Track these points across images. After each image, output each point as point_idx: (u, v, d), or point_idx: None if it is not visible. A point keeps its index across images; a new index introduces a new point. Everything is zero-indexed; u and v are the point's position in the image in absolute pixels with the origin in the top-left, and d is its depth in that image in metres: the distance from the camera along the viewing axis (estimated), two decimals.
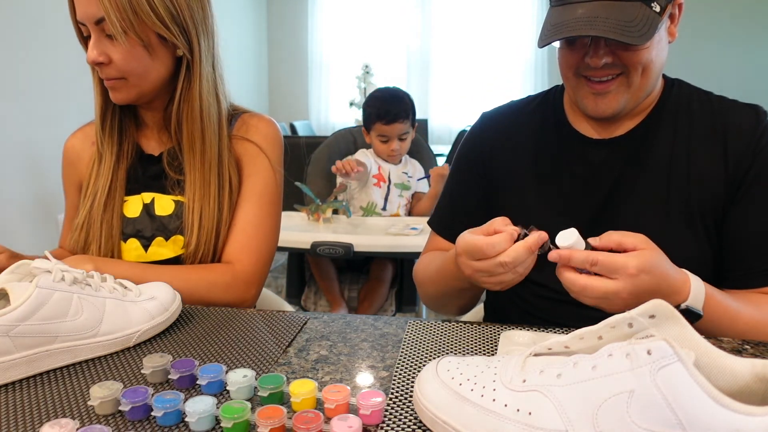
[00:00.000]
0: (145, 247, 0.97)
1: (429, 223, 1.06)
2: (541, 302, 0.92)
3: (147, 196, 1.00)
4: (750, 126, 0.84)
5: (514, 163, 0.95)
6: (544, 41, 0.81)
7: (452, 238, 0.98)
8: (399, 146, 2.18)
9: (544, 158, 0.93)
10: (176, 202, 0.99)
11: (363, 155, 2.25)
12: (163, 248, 0.97)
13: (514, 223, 0.74)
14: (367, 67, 4.44)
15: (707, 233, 0.84)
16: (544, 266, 0.69)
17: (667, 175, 0.85)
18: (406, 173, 2.25)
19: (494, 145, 0.98)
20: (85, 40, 0.93)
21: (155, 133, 1.03)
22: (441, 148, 3.96)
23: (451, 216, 1.02)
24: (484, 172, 0.99)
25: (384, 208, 2.21)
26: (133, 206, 0.99)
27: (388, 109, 2.14)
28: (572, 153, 0.91)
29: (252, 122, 1.04)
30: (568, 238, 0.66)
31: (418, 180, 2.27)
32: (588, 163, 0.89)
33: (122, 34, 0.87)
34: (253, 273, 0.97)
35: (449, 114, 5.62)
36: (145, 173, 1.01)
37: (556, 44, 0.86)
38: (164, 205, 0.99)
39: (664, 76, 0.90)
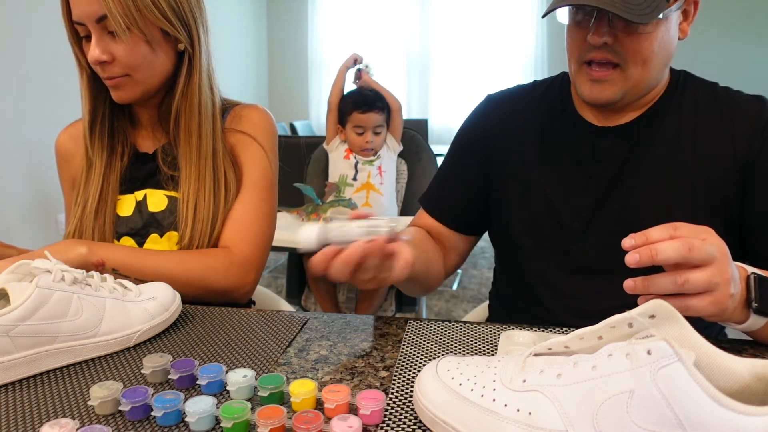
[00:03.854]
0: (140, 244, 0.97)
1: (419, 199, 1.06)
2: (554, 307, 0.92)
3: (140, 194, 1.00)
4: (756, 111, 0.84)
5: (516, 147, 0.95)
6: (546, 11, 0.81)
7: (440, 217, 1.01)
8: (373, 139, 2.24)
9: (548, 143, 0.93)
10: (169, 198, 0.98)
11: (339, 138, 2.34)
12: (158, 245, 0.97)
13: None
14: (367, 67, 4.44)
15: (713, 224, 0.82)
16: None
17: (672, 161, 0.85)
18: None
19: (497, 127, 0.98)
20: (78, 41, 0.92)
21: (150, 130, 1.03)
22: (441, 148, 3.95)
23: (442, 195, 1.03)
24: (483, 155, 0.98)
25: (355, 179, 2.27)
26: (126, 205, 0.99)
27: (365, 99, 2.26)
28: (576, 139, 0.91)
29: (243, 113, 1.04)
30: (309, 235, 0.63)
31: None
32: (592, 149, 0.89)
33: (125, 31, 0.86)
34: (251, 257, 0.95)
35: (449, 114, 5.62)
36: (140, 172, 1.01)
37: (564, 20, 0.85)
38: (157, 201, 0.98)
39: (670, 68, 0.90)
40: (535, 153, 0.93)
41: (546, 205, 0.91)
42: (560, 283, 0.91)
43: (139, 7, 0.86)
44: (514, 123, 0.96)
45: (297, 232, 0.63)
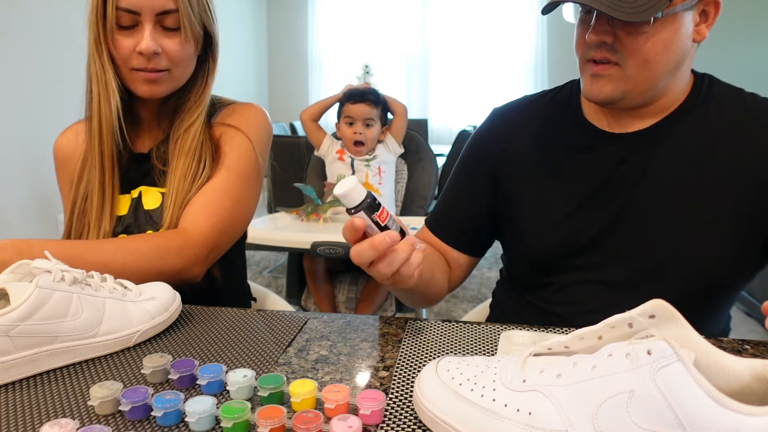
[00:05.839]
0: None
1: (426, 221, 1.04)
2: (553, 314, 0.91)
3: (135, 192, 1.00)
4: None
5: (526, 161, 0.92)
6: (543, 7, 0.80)
7: (448, 239, 0.99)
8: (363, 131, 2.25)
9: (559, 154, 0.90)
10: (163, 195, 0.99)
11: (329, 139, 2.36)
12: None
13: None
14: (367, 67, 4.45)
15: (739, 239, 0.81)
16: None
17: (696, 171, 0.81)
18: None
19: (506, 143, 0.95)
20: (105, 35, 0.90)
21: (147, 129, 1.03)
22: (441, 148, 3.95)
23: (450, 216, 1.01)
24: (493, 174, 0.96)
25: None
26: (123, 204, 1.00)
27: (356, 91, 2.30)
28: (588, 148, 0.88)
29: (235, 108, 1.05)
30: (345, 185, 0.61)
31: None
32: (605, 158, 0.86)
33: (188, 29, 0.91)
34: (207, 235, 0.90)
35: (449, 114, 5.63)
36: (137, 173, 1.01)
37: (569, 18, 0.84)
38: (151, 199, 0.99)
39: (693, 71, 0.86)
40: (543, 166, 0.91)
41: (559, 219, 0.88)
42: (578, 298, 0.88)
43: (200, 6, 0.92)
44: (520, 136, 0.94)
45: (340, 182, 0.62)
